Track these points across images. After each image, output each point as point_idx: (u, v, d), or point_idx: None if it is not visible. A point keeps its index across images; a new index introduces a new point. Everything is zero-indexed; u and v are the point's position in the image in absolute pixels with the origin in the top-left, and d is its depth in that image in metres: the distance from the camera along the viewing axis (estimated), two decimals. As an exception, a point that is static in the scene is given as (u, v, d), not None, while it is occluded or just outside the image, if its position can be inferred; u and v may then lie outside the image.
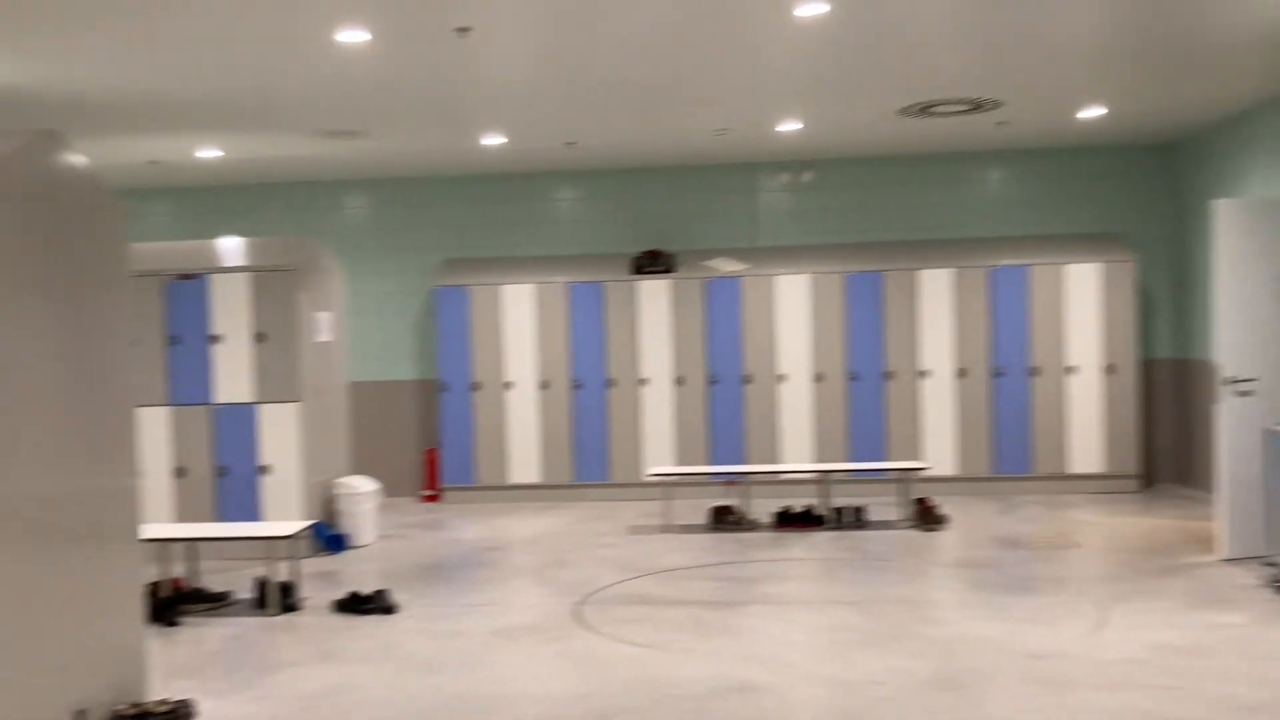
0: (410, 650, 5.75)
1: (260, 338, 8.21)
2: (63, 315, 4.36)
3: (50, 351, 4.28)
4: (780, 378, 10.43)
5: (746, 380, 10.46)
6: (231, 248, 8.68)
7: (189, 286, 8.26)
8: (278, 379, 8.23)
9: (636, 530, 8.99)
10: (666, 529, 8.91)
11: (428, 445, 11.22)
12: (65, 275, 4.39)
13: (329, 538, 8.35)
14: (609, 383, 10.56)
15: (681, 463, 10.42)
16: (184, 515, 8.18)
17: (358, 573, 7.69)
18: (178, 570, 6.91)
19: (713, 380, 10.48)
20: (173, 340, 8.24)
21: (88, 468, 4.51)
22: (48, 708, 4.16)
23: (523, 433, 10.61)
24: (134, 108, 8.08)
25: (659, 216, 11.22)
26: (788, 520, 8.87)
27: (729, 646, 5.69)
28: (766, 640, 5.80)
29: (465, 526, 9.51)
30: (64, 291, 4.37)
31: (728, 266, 10.58)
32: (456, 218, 11.41)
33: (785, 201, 11.17)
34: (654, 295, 10.53)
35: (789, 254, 10.76)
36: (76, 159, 4.58)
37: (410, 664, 5.50)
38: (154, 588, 6.61)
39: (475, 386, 10.65)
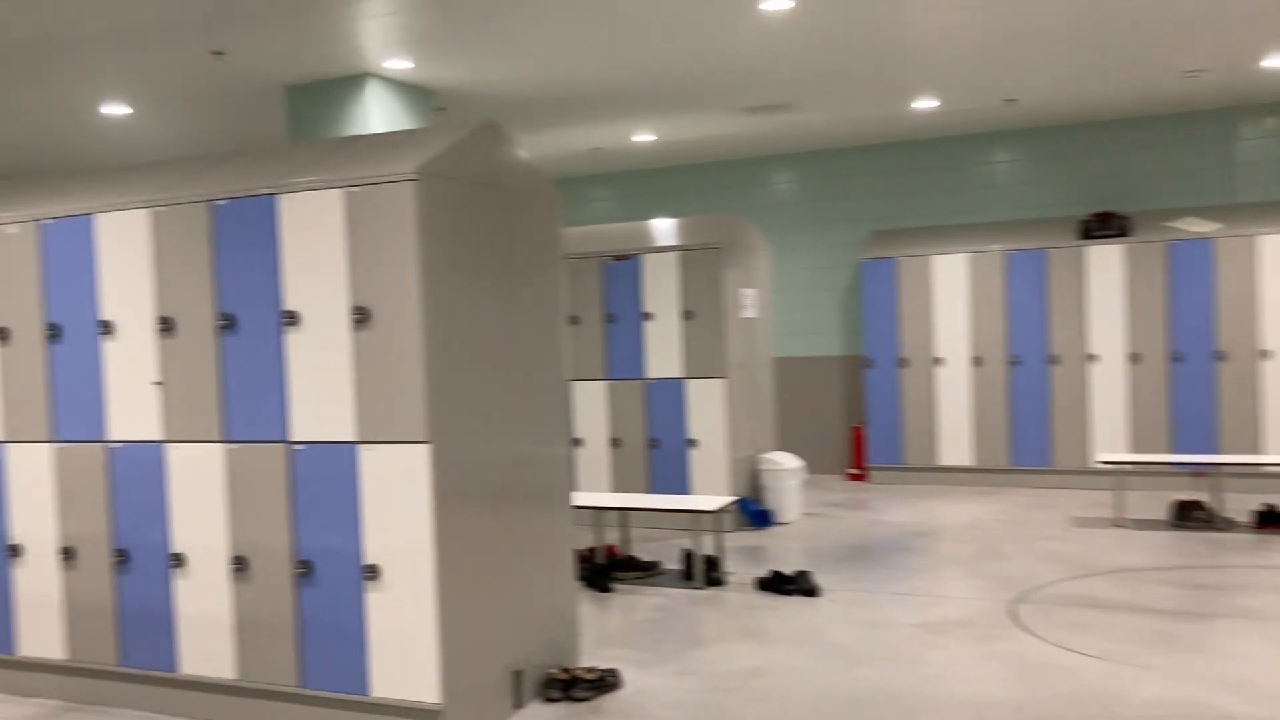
0: (832, 637, 5.55)
1: (688, 315, 8.35)
2: (508, 296, 4.60)
3: (500, 329, 4.53)
4: (1264, 354, 9.02)
5: (1220, 357, 9.15)
6: (662, 228, 8.93)
7: (624, 267, 8.59)
8: (705, 355, 8.34)
9: (1082, 523, 8.16)
10: (1118, 523, 8.00)
11: (853, 423, 10.97)
12: (509, 258, 4.62)
13: (753, 513, 8.37)
14: (1051, 359, 9.69)
15: (1137, 449, 9.35)
16: (619, 485, 8.56)
17: (781, 550, 7.62)
18: (611, 538, 7.21)
19: (1176, 357, 9.28)
20: (610, 318, 8.62)
21: (531, 435, 4.74)
22: (493, 665, 4.42)
23: (954, 412, 10.04)
24: (576, 99, 8.54)
25: (1111, 174, 10.12)
26: (1272, 520, 7.64)
27: (1197, 666, 4.91)
28: (1246, 663, 4.95)
29: (891, 508, 9.16)
30: (509, 273, 4.60)
31: (1197, 227, 9.29)
32: (884, 188, 11.01)
33: (1273, 150, 9.62)
34: (1105, 262, 9.50)
35: (1277, 211, 9.25)
36: (516, 148, 4.80)
37: (832, 652, 5.30)
38: (589, 554, 6.94)
39: (903, 362, 10.22)
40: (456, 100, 8.31)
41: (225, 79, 7.48)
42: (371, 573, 4.18)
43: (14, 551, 4.93)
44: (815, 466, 10.16)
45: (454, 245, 4.27)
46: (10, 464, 4.94)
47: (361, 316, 4.15)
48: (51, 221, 4.80)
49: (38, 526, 4.88)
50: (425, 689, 4.12)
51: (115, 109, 8.21)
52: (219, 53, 6.82)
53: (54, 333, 4.79)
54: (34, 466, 4.88)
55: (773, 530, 8.35)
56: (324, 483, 4.27)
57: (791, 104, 9.08)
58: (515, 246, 4.68)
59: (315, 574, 4.30)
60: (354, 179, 4.17)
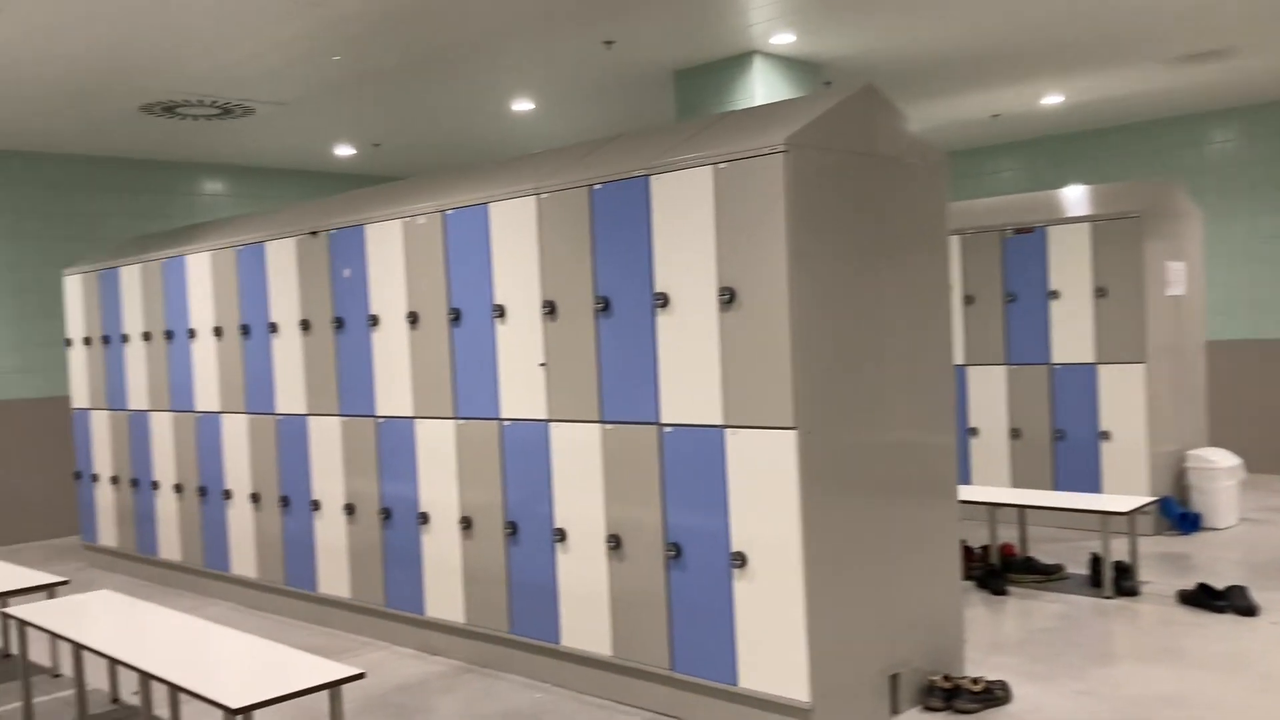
0: (1271, 666, 4.72)
1: (1101, 292, 7.52)
2: (887, 273, 4.31)
3: (877, 308, 4.26)
4: None
5: None
6: (1072, 197, 8.11)
7: (1026, 241, 7.91)
8: (1120, 337, 7.48)
9: None
10: None
11: (1309, 416, 9.45)
12: (888, 232, 4.32)
13: (1178, 516, 7.40)
14: None
15: None
16: (1018, 479, 7.90)
17: (1210, 560, 6.67)
18: (1008, 536, 6.65)
19: None
20: (1010, 297, 7.97)
21: (911, 423, 4.42)
22: (867, 665, 4.17)
23: None
24: (976, 61, 7.96)
25: None
26: None
27: None
28: None
29: (1359, 518, 7.76)
30: (887, 249, 4.32)
31: None
32: (1353, 140, 9.35)
33: None
34: None
35: None
36: (897, 114, 4.46)
37: (1271, 684, 4.50)
38: (982, 553, 6.45)
39: (1376, 346, 8.63)
40: (844, 72, 8.02)
41: (616, 69, 7.70)
42: (739, 560, 4.07)
43: (423, 519, 5.36)
44: (1257, 465, 8.85)
45: (826, 220, 4.04)
46: (419, 439, 5.36)
47: (728, 297, 4.03)
48: (453, 211, 5.13)
49: (442, 498, 5.26)
50: (794, 685, 3.95)
51: (522, 105, 8.74)
52: (609, 42, 7.02)
53: (455, 316, 5.13)
54: (438, 442, 5.26)
55: (1200, 536, 7.34)
56: (692, 466, 4.21)
57: (1234, 49, 7.89)
58: (895, 220, 4.37)
59: (684, 557, 4.26)
60: (722, 155, 4.06)
